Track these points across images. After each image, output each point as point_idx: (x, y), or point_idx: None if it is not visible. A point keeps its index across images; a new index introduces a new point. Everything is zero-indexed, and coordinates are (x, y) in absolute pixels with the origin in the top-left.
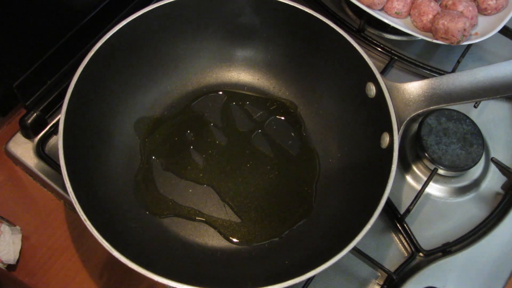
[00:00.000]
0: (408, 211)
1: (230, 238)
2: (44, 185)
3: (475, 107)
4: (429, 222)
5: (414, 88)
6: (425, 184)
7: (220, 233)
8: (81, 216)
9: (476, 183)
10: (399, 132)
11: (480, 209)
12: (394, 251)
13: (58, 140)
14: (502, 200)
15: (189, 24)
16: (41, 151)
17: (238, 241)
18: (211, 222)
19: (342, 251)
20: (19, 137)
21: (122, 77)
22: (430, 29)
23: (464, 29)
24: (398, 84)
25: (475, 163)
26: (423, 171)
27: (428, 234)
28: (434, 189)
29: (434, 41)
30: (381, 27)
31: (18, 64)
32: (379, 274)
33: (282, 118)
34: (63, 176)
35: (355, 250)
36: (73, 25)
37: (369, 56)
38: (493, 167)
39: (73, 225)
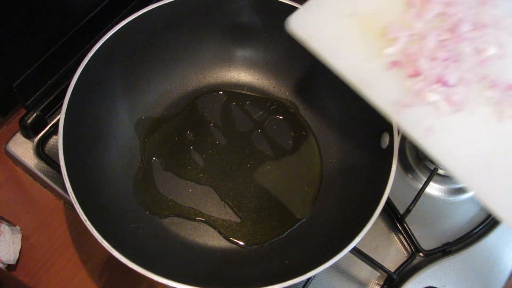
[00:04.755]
0: (408, 211)
1: (230, 238)
2: (44, 185)
3: None
4: (429, 222)
5: None
6: (425, 184)
7: (220, 233)
8: (81, 216)
9: None
10: (399, 132)
11: (480, 209)
12: (394, 251)
13: (58, 140)
14: None
15: (188, 24)
16: (41, 151)
17: (238, 241)
18: (211, 222)
19: (342, 251)
20: (19, 137)
21: (122, 77)
22: None
23: None
24: None
25: None
26: (423, 171)
27: (428, 234)
28: (434, 189)
29: None
30: None
31: (18, 64)
32: (379, 274)
33: (282, 118)
34: (63, 176)
35: (355, 250)
36: (73, 25)
37: None
38: None
39: (73, 225)
